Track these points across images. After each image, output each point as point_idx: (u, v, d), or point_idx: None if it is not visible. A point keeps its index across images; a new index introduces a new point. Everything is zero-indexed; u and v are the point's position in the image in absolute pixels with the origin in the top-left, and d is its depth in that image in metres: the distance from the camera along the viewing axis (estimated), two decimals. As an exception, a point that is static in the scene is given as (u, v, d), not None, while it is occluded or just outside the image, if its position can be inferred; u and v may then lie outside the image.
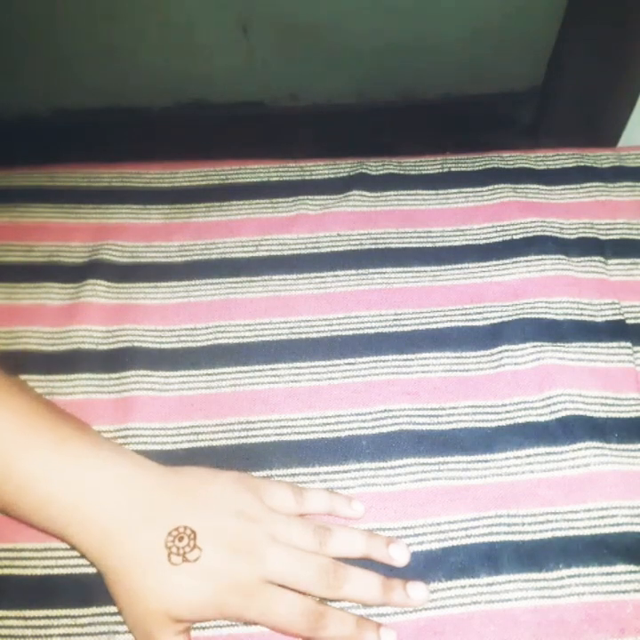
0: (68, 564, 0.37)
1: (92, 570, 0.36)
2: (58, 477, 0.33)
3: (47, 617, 0.35)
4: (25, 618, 0.35)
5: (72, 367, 0.42)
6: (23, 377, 0.41)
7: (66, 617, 0.35)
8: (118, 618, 0.35)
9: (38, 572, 0.36)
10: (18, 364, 0.42)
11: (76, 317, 0.43)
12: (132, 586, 0.33)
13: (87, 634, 0.35)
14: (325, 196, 0.49)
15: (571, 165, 0.50)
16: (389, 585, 0.35)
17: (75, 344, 0.43)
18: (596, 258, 0.46)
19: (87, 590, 0.36)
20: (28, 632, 0.35)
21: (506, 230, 0.47)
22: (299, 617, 0.33)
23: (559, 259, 0.46)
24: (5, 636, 0.35)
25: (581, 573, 0.36)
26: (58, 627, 0.35)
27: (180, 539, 0.33)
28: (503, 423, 0.40)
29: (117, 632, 0.35)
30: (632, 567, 0.36)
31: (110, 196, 0.49)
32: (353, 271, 0.46)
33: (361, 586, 0.35)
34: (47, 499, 0.33)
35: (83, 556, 0.34)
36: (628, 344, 0.43)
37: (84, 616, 0.35)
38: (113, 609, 0.35)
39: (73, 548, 0.34)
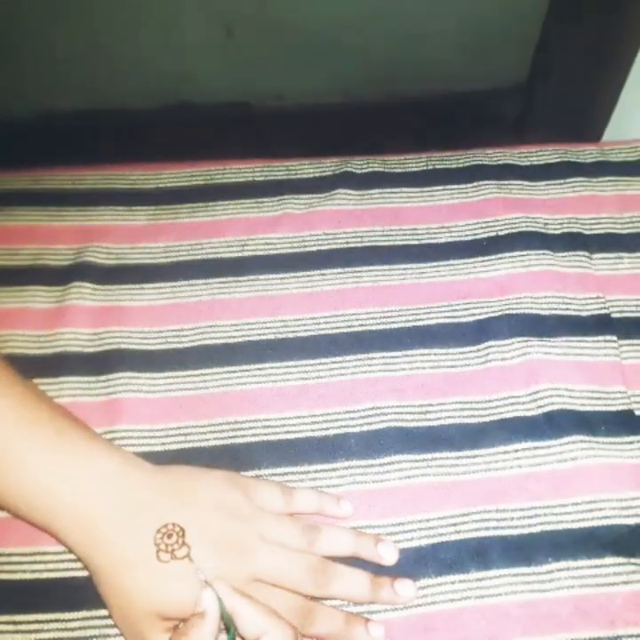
0: (57, 568, 0.36)
1: (81, 573, 0.36)
2: (51, 470, 0.34)
3: (37, 621, 0.35)
4: (15, 622, 0.35)
5: (59, 370, 0.42)
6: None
7: (56, 621, 0.35)
8: (108, 621, 0.35)
9: (27, 576, 0.36)
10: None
11: (62, 320, 0.43)
12: (121, 583, 0.33)
13: (77, 638, 0.35)
14: (310, 195, 0.49)
15: (554, 161, 0.51)
16: (378, 582, 0.35)
17: (61, 347, 0.42)
18: (581, 252, 0.46)
19: (77, 594, 0.36)
20: (18, 637, 0.35)
21: (491, 226, 0.47)
22: (287, 614, 0.33)
23: (544, 254, 0.46)
24: (-5, 642, 0.35)
25: (570, 566, 0.36)
26: (48, 631, 0.35)
27: (169, 536, 0.33)
28: (491, 418, 0.40)
29: (108, 636, 0.35)
30: (621, 559, 0.36)
31: (95, 197, 0.49)
32: (339, 269, 0.46)
33: (349, 583, 0.35)
34: (39, 491, 0.33)
35: (70, 551, 0.34)
36: (614, 338, 0.43)
37: (74, 620, 0.35)
38: (103, 612, 0.35)
39: (62, 543, 0.34)
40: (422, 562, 0.36)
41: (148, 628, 0.32)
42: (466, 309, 0.44)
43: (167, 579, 0.32)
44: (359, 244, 0.47)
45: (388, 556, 0.36)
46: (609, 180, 0.49)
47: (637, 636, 0.35)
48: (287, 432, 0.40)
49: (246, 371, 0.42)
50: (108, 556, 0.33)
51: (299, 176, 0.50)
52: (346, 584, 0.35)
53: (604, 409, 0.41)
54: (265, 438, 0.40)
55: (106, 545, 0.33)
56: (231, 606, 0.32)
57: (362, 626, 0.34)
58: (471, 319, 0.44)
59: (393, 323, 0.44)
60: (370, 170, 0.50)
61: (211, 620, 0.31)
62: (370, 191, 0.49)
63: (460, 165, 0.50)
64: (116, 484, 0.34)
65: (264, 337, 0.43)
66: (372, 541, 0.37)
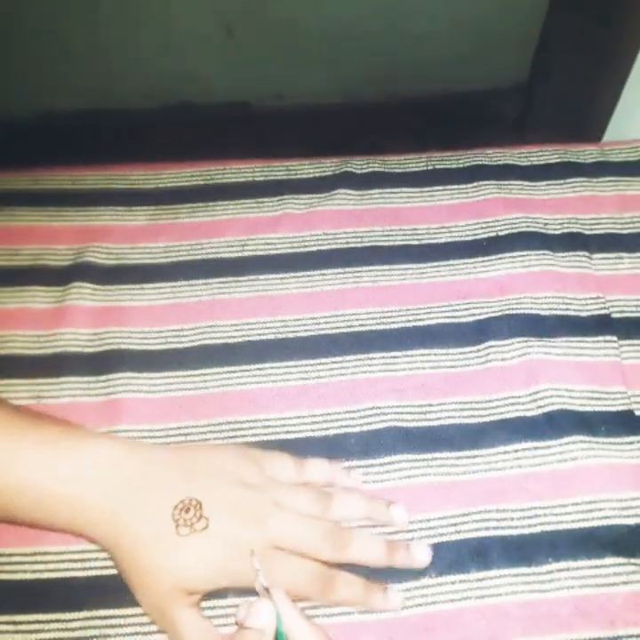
0: (57, 568, 0.36)
1: (82, 574, 0.36)
2: (53, 474, 0.34)
3: (37, 622, 0.35)
4: (15, 623, 0.35)
5: (59, 370, 0.42)
6: (9, 381, 0.41)
7: (56, 621, 0.35)
8: (109, 622, 0.35)
9: (28, 576, 0.36)
10: (4, 368, 0.41)
11: (62, 320, 0.43)
12: (143, 563, 0.33)
13: (78, 638, 0.35)
14: (310, 195, 0.49)
15: (554, 161, 0.51)
16: (393, 546, 0.36)
17: (61, 347, 0.42)
18: (581, 253, 0.46)
19: (77, 594, 0.36)
20: (19, 637, 0.35)
21: (491, 227, 0.47)
22: (308, 580, 0.34)
23: (544, 254, 0.46)
24: (-5, 642, 0.35)
25: (571, 567, 0.36)
26: (48, 631, 0.35)
27: (187, 510, 0.33)
28: (491, 419, 0.40)
29: (108, 636, 0.35)
30: (621, 559, 0.36)
31: (95, 198, 0.48)
32: (339, 270, 0.46)
33: (366, 547, 0.36)
34: (47, 497, 0.34)
35: (96, 544, 0.35)
36: (614, 338, 0.43)
37: (74, 620, 0.35)
38: (103, 613, 0.35)
39: (84, 538, 0.35)
40: (423, 562, 0.37)
41: (172, 603, 0.33)
42: (466, 309, 0.44)
43: (188, 552, 0.33)
44: (359, 244, 0.47)
45: (400, 518, 0.37)
46: (609, 181, 0.49)
47: (637, 636, 0.35)
48: (287, 432, 0.40)
49: (246, 371, 0.42)
50: (128, 539, 0.33)
51: (299, 176, 0.50)
52: (362, 548, 0.36)
53: (604, 409, 0.41)
54: (265, 438, 0.40)
55: (125, 529, 0.33)
56: (288, 625, 0.31)
57: (380, 592, 0.35)
58: (471, 319, 0.44)
59: (393, 323, 0.44)
60: (370, 170, 0.50)
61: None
62: (370, 191, 0.49)
63: (460, 165, 0.50)
64: (123, 468, 0.34)
65: (264, 337, 0.43)
66: (384, 504, 0.37)
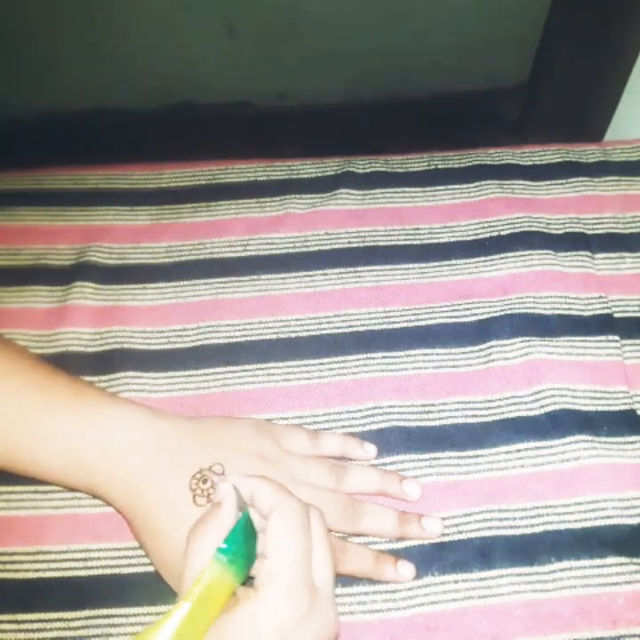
0: (59, 567, 0.36)
1: (84, 573, 0.36)
2: (81, 430, 0.34)
3: (40, 620, 0.35)
4: (18, 622, 0.35)
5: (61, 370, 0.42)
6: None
7: (59, 620, 0.35)
8: (111, 620, 0.35)
9: (30, 575, 0.36)
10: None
11: (64, 320, 0.43)
12: (159, 528, 0.34)
13: (80, 637, 0.35)
14: (313, 195, 0.49)
15: (556, 161, 0.51)
16: (405, 518, 0.37)
17: (63, 347, 0.42)
18: (583, 252, 0.46)
19: (79, 593, 0.36)
20: (21, 636, 0.35)
21: (493, 226, 0.47)
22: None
23: (546, 254, 0.46)
24: (-2, 641, 0.35)
25: (573, 566, 0.36)
26: (51, 630, 0.35)
27: (204, 481, 0.34)
28: (493, 418, 0.40)
29: (110, 635, 0.35)
30: (623, 559, 0.36)
31: (97, 197, 0.49)
32: (342, 269, 0.46)
33: (378, 519, 0.36)
34: (72, 452, 0.34)
35: (109, 504, 0.35)
36: (616, 337, 0.43)
37: (76, 619, 0.35)
38: (105, 611, 0.35)
39: (98, 498, 0.35)
40: (425, 561, 0.36)
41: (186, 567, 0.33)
42: (468, 309, 0.44)
43: None
44: (361, 244, 0.47)
45: (412, 492, 0.38)
46: (611, 180, 0.49)
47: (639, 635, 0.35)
48: (289, 432, 0.40)
49: (248, 371, 0.42)
50: (145, 504, 0.34)
51: (301, 176, 0.50)
52: (374, 520, 0.36)
53: (606, 409, 0.41)
54: (267, 438, 0.40)
55: (143, 493, 0.34)
56: (249, 490, 0.32)
57: (391, 565, 0.36)
58: (473, 319, 0.44)
59: (395, 323, 0.44)
60: (372, 169, 0.50)
61: (227, 506, 0.31)
62: (372, 191, 0.49)
63: (462, 165, 0.50)
64: (147, 434, 0.35)
65: (266, 337, 0.43)
66: (397, 478, 0.38)
